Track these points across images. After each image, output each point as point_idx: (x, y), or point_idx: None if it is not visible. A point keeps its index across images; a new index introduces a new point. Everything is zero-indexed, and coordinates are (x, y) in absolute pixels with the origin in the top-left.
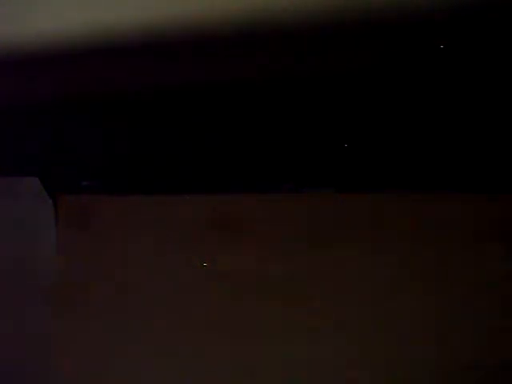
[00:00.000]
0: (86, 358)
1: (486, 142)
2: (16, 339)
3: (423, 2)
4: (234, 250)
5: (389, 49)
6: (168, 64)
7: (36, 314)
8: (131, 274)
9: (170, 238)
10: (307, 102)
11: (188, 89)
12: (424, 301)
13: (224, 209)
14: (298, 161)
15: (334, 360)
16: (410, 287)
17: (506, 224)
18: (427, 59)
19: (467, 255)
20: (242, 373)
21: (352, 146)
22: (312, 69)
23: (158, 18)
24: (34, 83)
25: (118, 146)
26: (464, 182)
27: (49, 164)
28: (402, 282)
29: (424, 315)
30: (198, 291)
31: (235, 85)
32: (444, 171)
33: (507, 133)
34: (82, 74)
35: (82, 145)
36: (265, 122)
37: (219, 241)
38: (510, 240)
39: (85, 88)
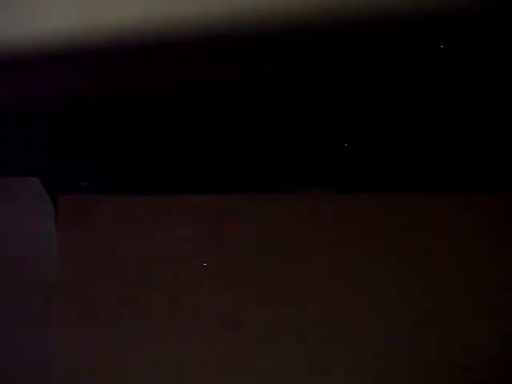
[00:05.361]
0: (87, 357)
1: (485, 142)
2: (16, 339)
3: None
4: (234, 249)
5: (388, 48)
6: (166, 64)
7: (36, 314)
8: (131, 273)
9: (170, 238)
10: (307, 101)
11: (187, 89)
12: (424, 300)
13: (224, 209)
14: (299, 161)
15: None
16: (409, 287)
17: (506, 224)
18: (429, 59)
19: (467, 255)
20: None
21: (352, 146)
22: (312, 69)
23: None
24: (34, 83)
25: (117, 146)
26: (464, 181)
27: (49, 164)
28: (401, 282)
29: (423, 315)
30: (198, 290)
31: (236, 85)
32: (444, 171)
33: (507, 133)
34: (82, 74)
35: (81, 145)
36: (265, 121)
37: (219, 240)
38: (509, 240)
39: (85, 88)
